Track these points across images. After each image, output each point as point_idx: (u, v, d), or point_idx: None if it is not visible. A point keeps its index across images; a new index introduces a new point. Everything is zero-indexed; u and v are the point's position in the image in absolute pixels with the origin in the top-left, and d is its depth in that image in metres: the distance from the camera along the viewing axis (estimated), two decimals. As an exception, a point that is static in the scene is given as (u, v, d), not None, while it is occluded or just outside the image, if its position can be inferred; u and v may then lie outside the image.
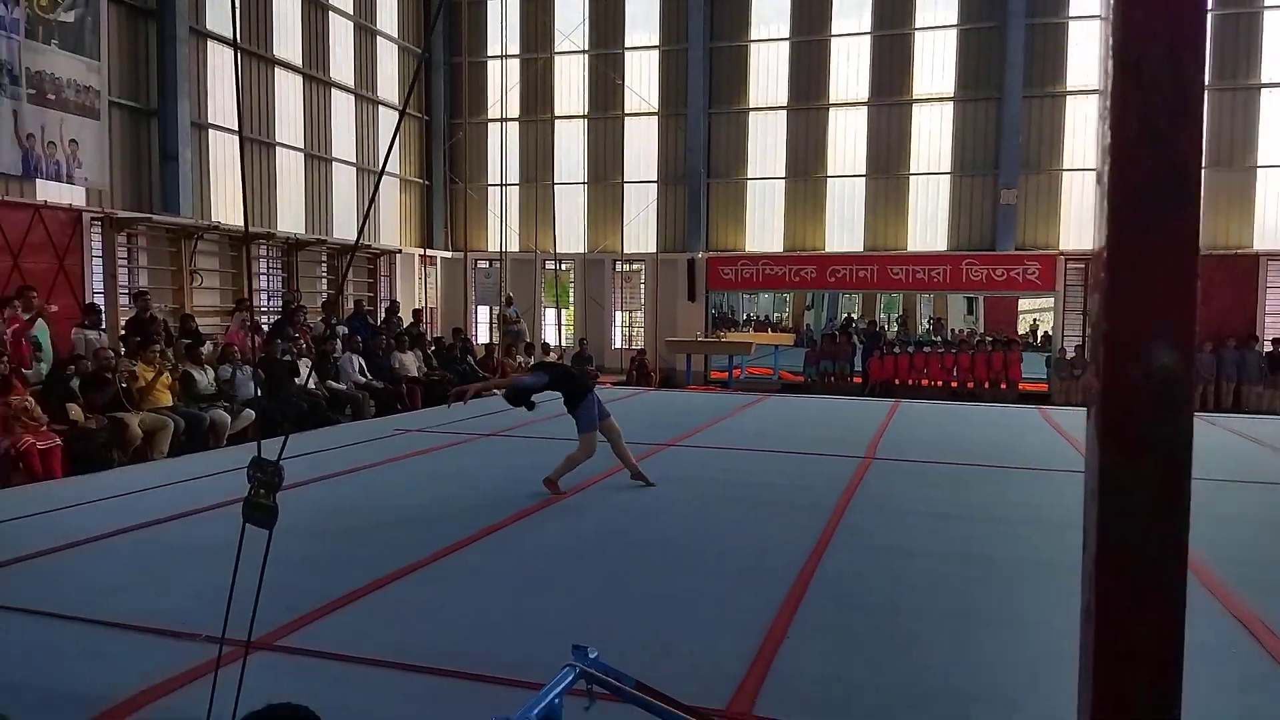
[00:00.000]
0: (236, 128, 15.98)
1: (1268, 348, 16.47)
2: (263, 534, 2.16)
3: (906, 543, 5.68)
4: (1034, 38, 18.20)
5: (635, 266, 21.06)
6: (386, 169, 20.13)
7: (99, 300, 11.99)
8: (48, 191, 12.15)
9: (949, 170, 19.00)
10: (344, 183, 19.05)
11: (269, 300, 15.85)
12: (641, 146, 20.91)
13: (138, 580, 4.77)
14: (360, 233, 3.94)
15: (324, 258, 17.48)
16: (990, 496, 7.05)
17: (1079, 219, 18.43)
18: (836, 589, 4.73)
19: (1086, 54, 18.20)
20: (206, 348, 11.24)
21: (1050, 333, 19.88)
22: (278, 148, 16.89)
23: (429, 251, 21.48)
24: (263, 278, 15.99)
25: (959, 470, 8.16)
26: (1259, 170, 17.35)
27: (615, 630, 3.99)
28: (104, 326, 11.19)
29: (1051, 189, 18.50)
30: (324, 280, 17.51)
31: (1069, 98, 18.36)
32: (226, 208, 15.75)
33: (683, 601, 4.54)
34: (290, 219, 17.21)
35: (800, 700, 3.41)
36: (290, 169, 17.40)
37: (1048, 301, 20.03)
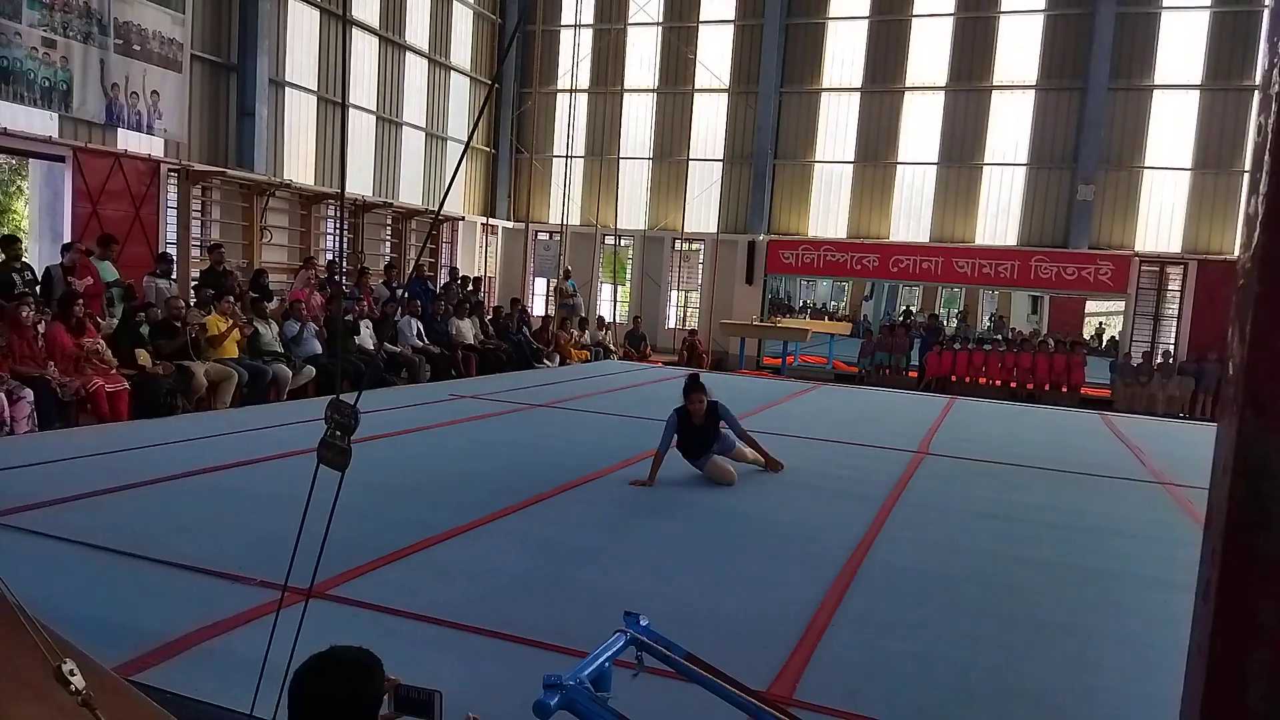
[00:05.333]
0: (314, 86, 16.22)
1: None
2: (322, 486, 2.19)
3: (957, 540, 5.58)
4: (1124, 27, 17.55)
5: (694, 246, 20.95)
6: (451, 136, 20.28)
7: (171, 250, 12.30)
8: (128, 141, 12.48)
9: (1025, 162, 18.49)
10: (412, 147, 19.24)
11: (332, 259, 16.09)
12: (709, 124, 20.73)
13: (198, 523, 4.90)
14: (441, 205, 3.95)
15: (389, 220, 17.70)
16: (1045, 500, 6.88)
17: (1158, 219, 17.82)
18: (884, 581, 4.67)
19: (1177, 47, 17.50)
20: (273, 303, 11.47)
21: (1117, 337, 19.31)
22: (350, 109, 17.09)
23: (491, 220, 21.62)
24: (329, 237, 16.25)
25: (1014, 472, 7.99)
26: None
27: (660, 603, 3.98)
28: (174, 276, 11.49)
29: (1131, 187, 17.89)
30: (387, 243, 17.73)
31: (1156, 92, 17.70)
32: (298, 166, 16.01)
33: (728, 581, 4.53)
34: (358, 180, 17.46)
35: (843, 689, 3.37)
36: (361, 131, 17.62)
37: (1115, 305, 19.45)
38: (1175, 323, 17.49)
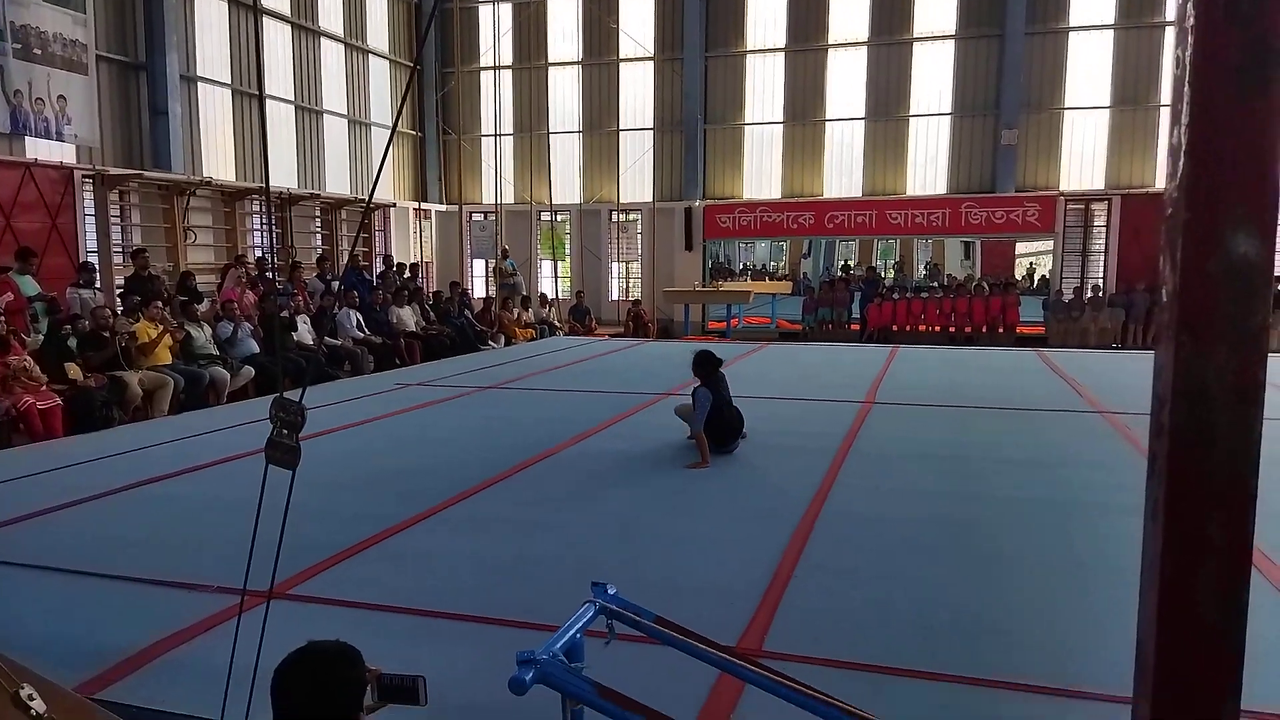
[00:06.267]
0: (227, 80, 15.72)
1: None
2: (273, 487, 2.15)
3: (910, 483, 5.72)
4: (1037, -28, 17.84)
5: (632, 216, 20.89)
6: (375, 121, 19.86)
7: (92, 259, 11.89)
8: (37, 149, 11.97)
9: (949, 111, 18.75)
10: (335, 135, 18.79)
11: (261, 256, 15.67)
12: (637, 93, 20.61)
13: (148, 535, 4.79)
14: (372, 193, 3.81)
15: (317, 212, 17.30)
16: (990, 438, 7.08)
17: (1079, 158, 18.25)
18: (842, 530, 4.77)
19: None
20: (204, 305, 11.18)
21: (1047, 276, 19.80)
22: (267, 100, 16.59)
23: (423, 205, 21.28)
24: (256, 234, 15.84)
25: (958, 413, 8.19)
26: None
27: (625, 572, 4.01)
28: (99, 285, 11.11)
29: (1052, 128, 18.28)
30: (318, 235, 17.35)
31: (1071, 34, 18.05)
32: (218, 162, 15.55)
33: (690, 543, 4.58)
34: (282, 173, 17.01)
35: (810, 638, 3.44)
36: (280, 121, 17.14)
37: (1044, 244, 19.92)
38: (1102, 257, 17.98)
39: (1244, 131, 0.60)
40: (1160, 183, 17.35)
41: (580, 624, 1.96)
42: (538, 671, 1.75)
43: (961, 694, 3.03)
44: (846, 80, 19.28)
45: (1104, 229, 17.90)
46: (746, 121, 19.97)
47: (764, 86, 19.81)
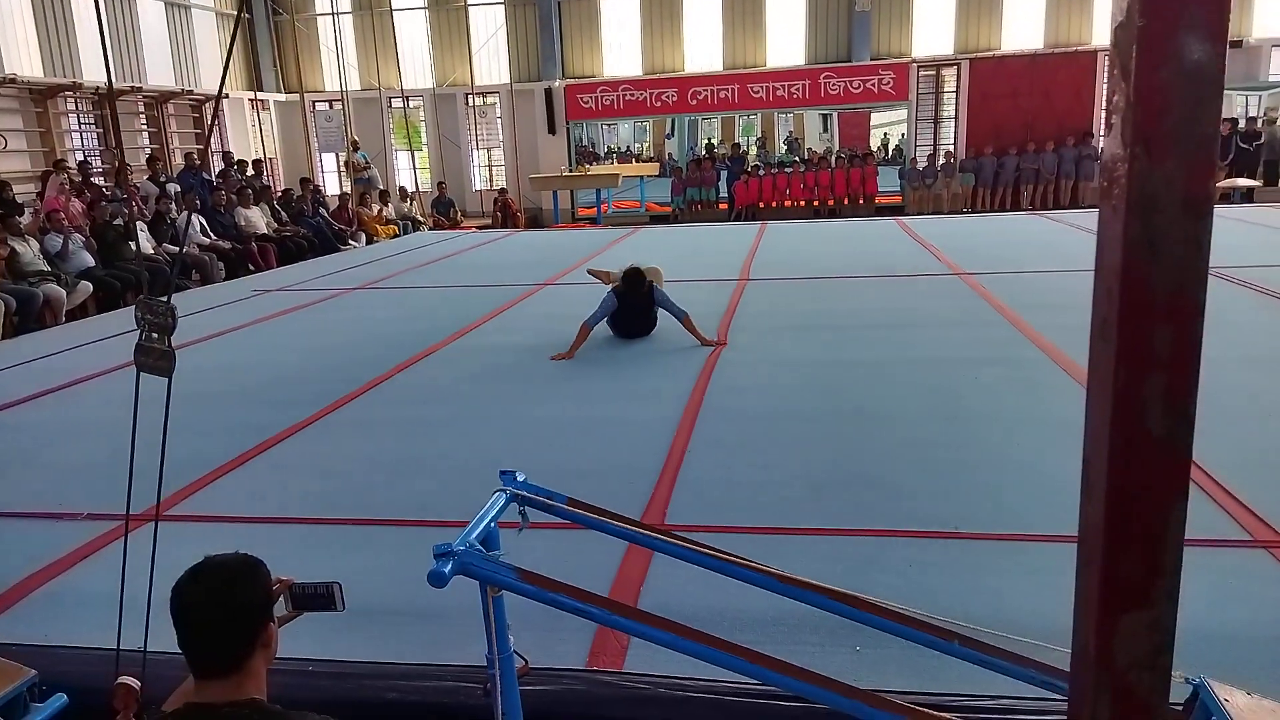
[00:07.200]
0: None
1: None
2: (143, 404, 2.00)
3: (787, 354, 5.90)
4: None
5: (489, 100, 20.05)
6: (194, 2, 18.11)
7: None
8: None
9: (805, -24, 18.57)
10: (152, 21, 17.02)
11: (83, 159, 14.31)
12: (484, -35, 19.46)
13: (5, 466, 4.45)
14: (223, 83, 3.37)
15: (140, 108, 15.82)
16: (859, 305, 7.36)
17: (930, 23, 18.44)
18: (728, 404, 4.89)
19: None
20: (25, 217, 10.18)
21: (901, 145, 20.31)
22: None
23: (259, 95, 19.75)
24: (74, 135, 14.40)
25: (827, 283, 8.45)
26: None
27: (524, 462, 3.98)
28: (-103, 202, 9.93)
29: (904, -7, 18.35)
30: (145, 134, 15.92)
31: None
32: (20, 56, 13.90)
33: (585, 428, 4.61)
34: (98, 66, 15.37)
35: (708, 507, 3.56)
36: (88, 7, 15.36)
37: (897, 114, 20.34)
38: (953, 124, 18.53)
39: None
40: (1006, 46, 18.00)
41: (494, 512, 1.93)
42: (456, 562, 1.73)
43: (849, 544, 3.22)
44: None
45: (954, 95, 18.38)
46: (601, -7, 19.24)
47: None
